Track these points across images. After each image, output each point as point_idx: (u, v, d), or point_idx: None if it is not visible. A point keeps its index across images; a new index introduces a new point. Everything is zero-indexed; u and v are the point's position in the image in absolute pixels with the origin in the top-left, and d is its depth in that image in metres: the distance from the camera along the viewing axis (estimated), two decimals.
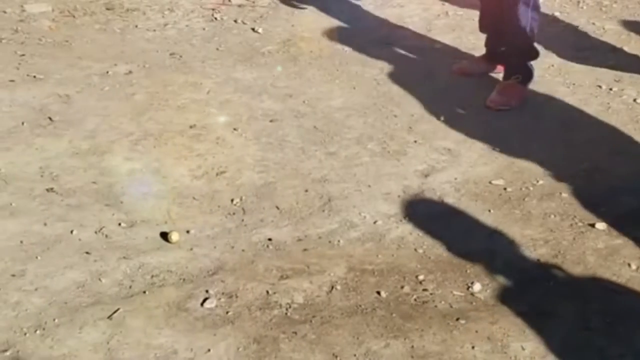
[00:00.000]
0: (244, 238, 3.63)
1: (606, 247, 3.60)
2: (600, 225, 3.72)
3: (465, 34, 5.49)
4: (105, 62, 5.06)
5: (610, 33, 5.54)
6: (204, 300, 3.26)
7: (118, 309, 3.19)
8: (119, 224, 3.66)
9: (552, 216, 3.80)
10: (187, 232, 3.66)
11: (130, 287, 3.33)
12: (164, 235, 3.62)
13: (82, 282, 3.29)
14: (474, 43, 5.27)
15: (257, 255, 3.54)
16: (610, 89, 4.86)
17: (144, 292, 3.30)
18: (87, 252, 3.47)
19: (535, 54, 4.73)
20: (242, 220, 3.76)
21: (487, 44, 4.84)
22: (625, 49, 5.32)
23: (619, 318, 3.21)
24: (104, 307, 3.20)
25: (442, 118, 4.60)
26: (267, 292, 3.32)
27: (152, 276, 3.39)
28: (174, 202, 3.86)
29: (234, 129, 4.48)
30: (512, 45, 4.68)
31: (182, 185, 4.00)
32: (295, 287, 3.36)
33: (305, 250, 3.58)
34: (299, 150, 4.31)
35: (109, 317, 3.15)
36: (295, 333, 3.12)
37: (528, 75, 4.71)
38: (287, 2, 5.95)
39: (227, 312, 3.21)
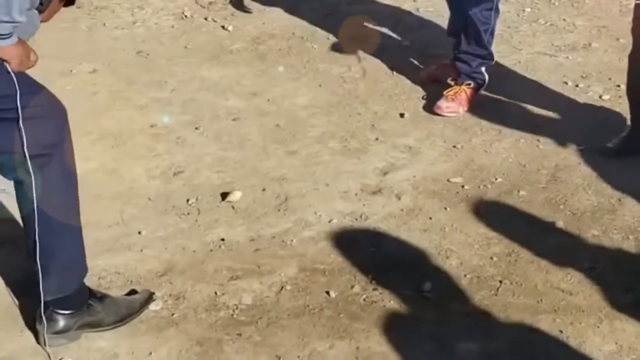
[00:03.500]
0: (197, 238, 3.60)
1: (561, 246, 3.58)
2: (557, 224, 3.67)
3: (434, 32, 5.43)
4: (70, 60, 5.03)
5: (581, 29, 5.50)
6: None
7: None
8: None
9: (509, 214, 3.76)
10: (139, 233, 3.63)
11: None
12: (224, 196, 3.74)
13: (26, 285, 3.24)
14: (443, 41, 5.21)
15: (208, 255, 3.51)
16: (577, 86, 4.83)
17: None
18: None
19: (491, 59, 4.67)
20: (196, 220, 3.73)
21: (454, 49, 4.77)
22: (594, 45, 5.28)
23: (568, 318, 3.16)
24: None
25: (405, 116, 4.56)
26: (216, 293, 3.29)
27: (99, 278, 3.36)
28: (129, 202, 3.83)
29: (196, 128, 4.45)
30: (466, 49, 4.62)
31: (138, 186, 3.97)
32: (244, 287, 3.33)
33: (257, 250, 3.55)
34: (260, 149, 4.28)
35: None
36: (240, 335, 3.09)
37: (480, 81, 4.65)
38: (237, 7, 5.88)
39: (172, 315, 3.18)
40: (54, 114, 2.85)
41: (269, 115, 4.58)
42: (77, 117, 4.26)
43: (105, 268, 3.41)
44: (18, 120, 2.69)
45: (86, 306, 3.01)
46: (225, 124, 4.50)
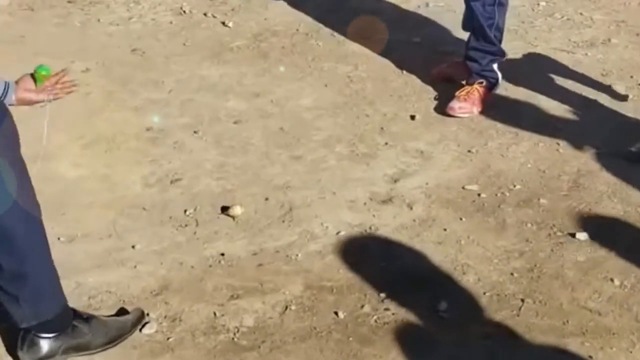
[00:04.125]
0: (195, 253, 3.35)
1: (587, 259, 3.32)
2: (581, 235, 3.43)
3: (445, 28, 5.17)
4: (62, 58, 4.77)
5: (599, 24, 5.24)
6: (144, 325, 2.97)
7: None
8: (58, 239, 3.38)
9: (529, 225, 3.51)
10: (133, 247, 3.38)
11: None
12: (225, 210, 3.50)
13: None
14: (454, 37, 4.96)
15: (207, 272, 3.26)
16: (597, 84, 4.54)
17: None
18: None
19: (501, 55, 4.41)
20: (195, 233, 3.48)
21: (467, 45, 4.51)
22: (614, 40, 5.02)
23: (598, 342, 2.90)
24: None
25: (416, 118, 4.30)
26: (215, 314, 3.05)
27: (89, 297, 3.11)
28: (122, 212, 3.58)
29: (194, 132, 4.20)
30: (475, 45, 4.36)
31: (132, 194, 3.72)
32: (245, 307, 3.08)
33: (260, 265, 3.30)
34: (262, 155, 4.02)
35: None
36: None
37: (493, 80, 4.39)
38: None
39: (167, 339, 2.93)
40: None
41: (272, 118, 4.32)
42: (69, 120, 4.06)
43: (96, 286, 3.16)
44: None
45: (71, 328, 2.81)
46: (225, 127, 4.24)
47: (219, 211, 3.58)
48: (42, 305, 2.74)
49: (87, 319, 2.87)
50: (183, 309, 3.06)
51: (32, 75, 2.76)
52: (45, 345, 2.79)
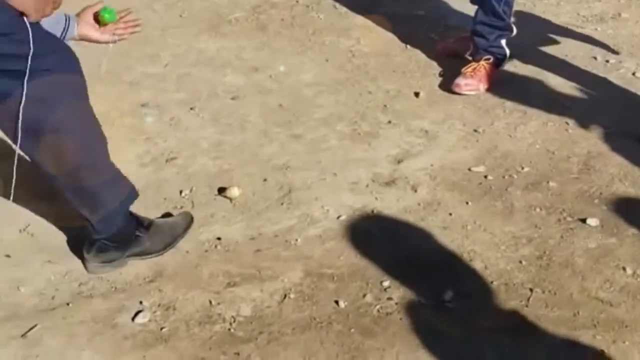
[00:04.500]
0: (190, 237, 3.22)
1: (598, 246, 3.19)
2: (592, 221, 3.30)
3: (451, 0, 5.00)
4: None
5: None
6: (136, 313, 2.86)
7: (35, 325, 2.79)
8: (48, 221, 3.22)
9: (538, 209, 3.38)
10: None
11: (53, 297, 2.92)
12: (222, 191, 3.40)
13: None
14: (460, 10, 4.79)
15: (202, 257, 3.12)
16: (607, 61, 4.42)
17: (68, 303, 2.89)
18: (7, 255, 3.07)
19: (509, 30, 4.24)
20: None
21: (474, 19, 4.35)
22: (625, 15, 4.86)
23: (610, 335, 2.77)
24: (20, 324, 2.80)
25: (420, 95, 4.15)
26: (210, 302, 2.91)
27: (80, 284, 2.98)
28: None
29: (191, 108, 4.06)
30: (483, 19, 4.20)
31: (126, 174, 3.54)
32: (242, 296, 2.95)
33: (258, 251, 3.16)
34: (261, 133, 3.88)
35: (23, 335, 2.75)
36: (238, 354, 2.73)
37: (501, 56, 4.23)
38: None
39: (161, 329, 2.80)
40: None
41: (271, 94, 4.18)
42: None
43: (87, 272, 3.01)
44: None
45: (134, 237, 3.04)
46: (223, 103, 4.10)
47: (216, 192, 3.44)
48: (112, 221, 2.95)
49: (148, 226, 3.08)
50: (177, 296, 2.93)
51: (95, 15, 2.74)
52: (110, 252, 3.00)
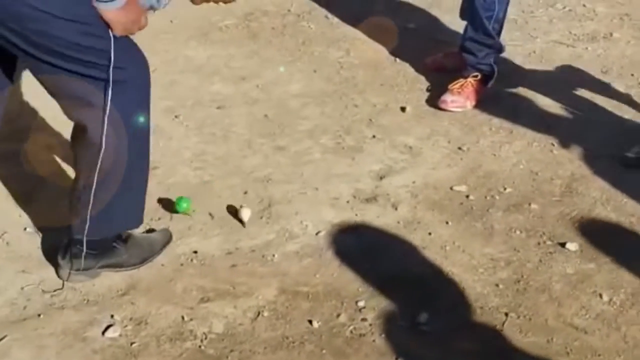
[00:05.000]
0: (166, 250, 3.19)
1: (576, 272, 3.17)
2: (572, 246, 3.28)
3: (443, 13, 4.99)
4: None
5: (601, 16, 5.06)
6: (107, 327, 2.84)
7: (5, 337, 2.76)
8: (25, 229, 3.22)
9: (518, 232, 3.36)
10: None
11: (25, 308, 2.90)
12: (234, 213, 3.32)
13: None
14: (452, 23, 4.77)
15: (177, 271, 3.10)
16: (596, 82, 4.37)
17: (39, 315, 2.87)
18: None
19: (498, 48, 4.23)
20: (168, 227, 3.31)
21: (464, 35, 4.34)
22: (616, 35, 4.84)
23: None
24: None
25: (407, 110, 4.13)
26: (183, 318, 2.90)
27: (52, 295, 2.96)
28: None
29: (175, 117, 4.04)
30: (472, 36, 4.19)
31: None
32: (216, 312, 2.93)
33: (233, 266, 3.14)
34: (244, 144, 3.86)
35: None
36: None
37: (489, 73, 4.21)
38: None
39: (131, 344, 2.78)
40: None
41: (257, 104, 4.16)
42: (45, 101, 3.85)
43: (60, 282, 3.00)
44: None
45: (111, 248, 3.00)
46: (208, 112, 4.08)
47: (224, 213, 3.41)
48: (103, 226, 2.92)
49: (125, 239, 3.05)
50: (150, 311, 2.92)
51: None
52: (86, 259, 2.96)
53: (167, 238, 3.19)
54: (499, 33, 4.18)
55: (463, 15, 4.33)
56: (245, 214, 3.32)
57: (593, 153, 3.84)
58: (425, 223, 3.41)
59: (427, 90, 4.31)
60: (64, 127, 3.32)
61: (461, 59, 4.26)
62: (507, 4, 4.15)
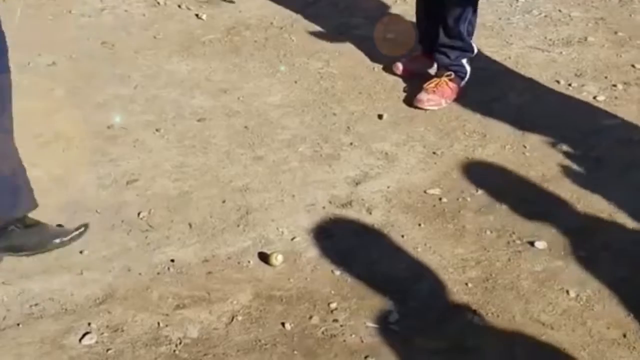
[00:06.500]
0: (144, 259, 3.28)
1: (543, 269, 3.25)
2: (540, 244, 3.36)
3: None
4: (29, 52, 4.69)
5: (577, 21, 5.14)
6: (84, 335, 2.92)
7: None
8: None
9: (488, 232, 3.44)
10: (81, 252, 3.30)
11: (5, 318, 2.99)
12: (264, 258, 3.29)
13: None
14: None
15: (154, 280, 3.18)
16: (570, 85, 4.48)
17: (18, 324, 2.96)
18: None
19: (470, 50, 4.33)
20: (146, 237, 3.41)
21: (421, 40, 4.46)
22: (591, 39, 4.93)
23: (547, 358, 2.83)
24: None
25: (384, 117, 4.22)
26: (158, 324, 2.98)
27: (31, 305, 3.04)
28: (74, 215, 3.50)
29: (156, 130, 4.12)
30: (444, 41, 4.29)
31: (85, 196, 3.64)
32: (191, 318, 3.01)
33: (209, 273, 3.23)
34: (224, 155, 3.95)
35: None
36: None
37: (462, 74, 4.31)
38: None
39: (107, 350, 2.86)
40: None
41: (237, 116, 4.25)
42: (28, 117, 3.95)
43: (40, 292, 3.11)
44: None
45: (8, 229, 3.07)
46: (189, 125, 4.17)
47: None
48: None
49: (30, 225, 3.13)
50: (126, 319, 2.99)
51: None
52: None
53: (81, 231, 3.25)
54: (471, 34, 4.28)
55: (419, 22, 4.47)
56: (278, 260, 3.30)
57: (564, 155, 3.90)
58: (399, 226, 3.48)
59: (404, 91, 4.40)
60: None
61: (426, 59, 4.35)
62: (476, 4, 4.23)
